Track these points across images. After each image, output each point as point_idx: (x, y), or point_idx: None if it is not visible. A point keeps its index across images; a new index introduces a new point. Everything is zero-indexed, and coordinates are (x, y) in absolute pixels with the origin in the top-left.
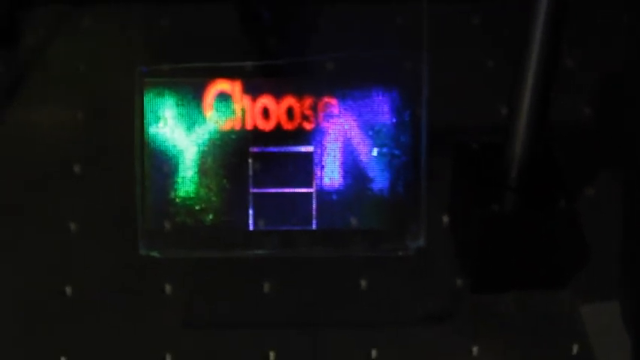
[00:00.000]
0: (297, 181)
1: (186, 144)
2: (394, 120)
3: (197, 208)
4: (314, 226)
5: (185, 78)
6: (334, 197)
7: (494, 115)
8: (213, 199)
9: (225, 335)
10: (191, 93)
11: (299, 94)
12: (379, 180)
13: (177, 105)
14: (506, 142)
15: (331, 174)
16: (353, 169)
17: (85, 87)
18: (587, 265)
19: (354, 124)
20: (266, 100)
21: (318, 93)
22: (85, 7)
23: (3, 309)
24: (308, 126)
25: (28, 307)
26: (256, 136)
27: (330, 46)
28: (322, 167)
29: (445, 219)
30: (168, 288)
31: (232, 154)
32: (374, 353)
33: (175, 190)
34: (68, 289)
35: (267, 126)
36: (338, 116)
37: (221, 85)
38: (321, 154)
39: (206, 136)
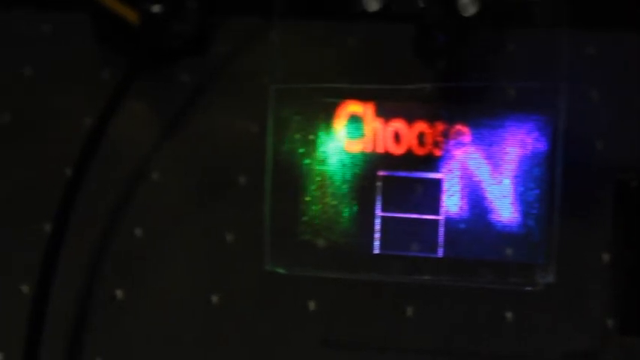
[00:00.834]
0: (424, 207)
1: (317, 163)
2: (528, 151)
3: (323, 228)
4: (440, 254)
5: (317, 98)
6: (462, 226)
7: None
8: (340, 220)
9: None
10: (323, 113)
11: (431, 120)
12: (508, 212)
13: (308, 124)
14: None
15: (459, 203)
16: (482, 198)
17: (265, 101)
18: None
19: (485, 153)
20: (398, 124)
21: (451, 120)
22: (274, 21)
23: (149, 310)
24: (438, 153)
25: (173, 311)
26: (386, 159)
27: (471, 72)
28: (451, 195)
29: (599, 255)
30: (311, 304)
31: (361, 176)
32: None
33: (303, 208)
34: (214, 298)
35: (397, 150)
36: (469, 144)
37: (353, 107)
38: (451, 182)
39: (336, 157)
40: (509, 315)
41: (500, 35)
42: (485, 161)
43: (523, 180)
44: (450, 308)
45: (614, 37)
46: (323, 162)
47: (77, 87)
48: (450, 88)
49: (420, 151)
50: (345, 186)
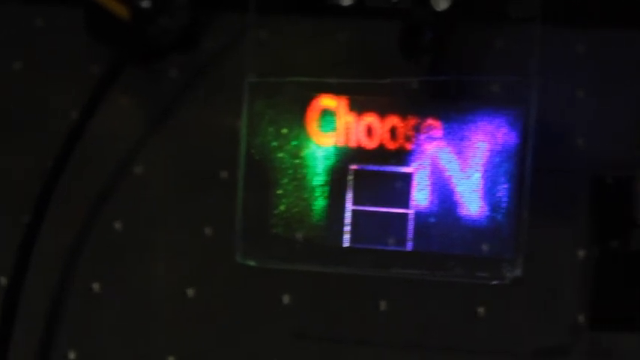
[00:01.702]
0: (395, 201)
1: (289, 157)
2: (498, 146)
3: (294, 221)
4: (410, 248)
5: (291, 91)
6: (432, 220)
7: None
8: (311, 213)
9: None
10: (296, 107)
11: (403, 114)
12: (478, 206)
13: (282, 118)
14: (636, 177)
15: (430, 196)
16: (452, 193)
17: (249, 97)
18: None
19: (456, 147)
20: (370, 118)
21: (423, 114)
22: (262, 17)
23: (126, 302)
24: (410, 147)
25: (148, 307)
26: (358, 153)
27: (442, 67)
28: (421, 189)
29: (571, 251)
30: (285, 298)
31: (333, 170)
32: None
33: (275, 202)
34: (190, 291)
35: (370, 144)
36: (441, 139)
37: (326, 101)
38: (421, 176)
39: (308, 151)
40: (481, 310)
41: (473, 30)
42: (456, 155)
43: (493, 174)
44: (423, 302)
45: (600, 35)
46: (295, 155)
47: (67, 81)
48: (423, 82)
49: (391, 145)
50: (316, 179)
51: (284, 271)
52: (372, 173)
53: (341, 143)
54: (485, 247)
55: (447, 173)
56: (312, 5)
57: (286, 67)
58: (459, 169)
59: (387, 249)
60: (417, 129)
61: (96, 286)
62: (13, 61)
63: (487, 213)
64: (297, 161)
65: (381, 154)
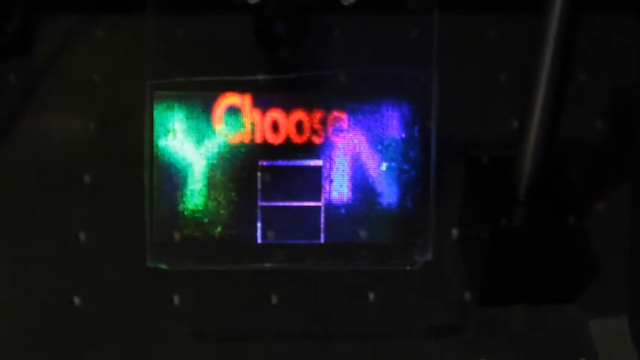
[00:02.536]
0: (305, 195)
1: (196, 157)
2: (403, 135)
3: (205, 221)
4: (322, 240)
5: (195, 91)
6: (342, 211)
7: (506, 129)
8: (222, 212)
9: (234, 347)
10: (201, 106)
11: (309, 108)
12: (387, 194)
13: (187, 118)
14: (516, 157)
15: (340, 188)
16: (362, 183)
17: (99, 97)
18: (596, 280)
19: (363, 138)
20: (276, 114)
21: (328, 107)
22: (100, 16)
23: (9, 317)
24: (317, 140)
25: (35, 316)
26: (265, 149)
27: (343, 60)
28: (331, 181)
29: (455, 232)
30: (176, 299)
31: (241, 167)
32: None
33: (184, 202)
34: (77, 300)
35: (276, 140)
36: (347, 130)
37: (231, 99)
38: (330, 169)
39: (215, 150)
40: (371, 295)
41: (377, 23)
42: (364, 146)
43: (399, 163)
44: (315, 292)
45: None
46: (202, 155)
47: None
48: (324, 76)
49: (298, 140)
50: (225, 178)
51: (172, 271)
52: (281, 168)
53: (248, 140)
54: (396, 235)
55: (357, 164)
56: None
57: (181, 68)
58: (367, 159)
59: (300, 243)
60: (323, 122)
61: None
62: None
63: (396, 201)
64: (204, 160)
65: (289, 149)
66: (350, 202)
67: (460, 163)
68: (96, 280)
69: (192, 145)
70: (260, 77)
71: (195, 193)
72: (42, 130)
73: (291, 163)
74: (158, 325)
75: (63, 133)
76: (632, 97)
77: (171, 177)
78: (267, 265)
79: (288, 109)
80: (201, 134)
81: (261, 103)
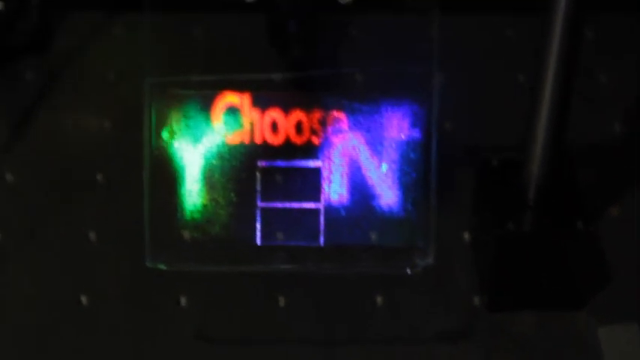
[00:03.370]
0: (305, 196)
1: (195, 157)
2: (404, 136)
3: (204, 221)
4: (321, 243)
5: (194, 90)
6: (342, 213)
7: (518, 131)
8: (221, 212)
9: (237, 349)
10: (200, 105)
11: (308, 108)
12: (388, 196)
13: (186, 117)
14: (524, 161)
15: (339, 190)
16: (361, 185)
17: (114, 96)
18: (606, 286)
19: (363, 139)
20: (275, 114)
21: (327, 107)
22: (118, 15)
23: (17, 314)
24: (317, 140)
25: (43, 314)
26: (265, 150)
27: (343, 59)
28: (330, 183)
29: (466, 235)
30: (182, 300)
31: (240, 167)
32: None
33: (183, 203)
34: (84, 299)
35: (275, 140)
36: (347, 131)
37: (230, 98)
38: (330, 170)
39: (214, 149)
40: (380, 299)
41: (377, 21)
42: (364, 147)
43: (401, 165)
44: (323, 295)
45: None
46: (201, 155)
47: None
48: (324, 75)
49: (298, 140)
50: (224, 178)
51: (181, 272)
52: (280, 169)
53: (247, 141)
54: (396, 237)
55: (356, 165)
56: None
57: (179, 66)
58: (367, 160)
59: (299, 245)
60: (323, 122)
61: None
62: None
63: (397, 204)
64: (203, 161)
65: (288, 150)
66: (350, 204)
67: (470, 165)
68: (103, 279)
69: (192, 145)
70: (257, 76)
71: (194, 194)
72: (57, 128)
73: (291, 164)
74: (164, 325)
75: (77, 131)
76: None
77: (170, 177)
78: (266, 267)
79: (287, 108)
80: (200, 134)
81: (260, 103)
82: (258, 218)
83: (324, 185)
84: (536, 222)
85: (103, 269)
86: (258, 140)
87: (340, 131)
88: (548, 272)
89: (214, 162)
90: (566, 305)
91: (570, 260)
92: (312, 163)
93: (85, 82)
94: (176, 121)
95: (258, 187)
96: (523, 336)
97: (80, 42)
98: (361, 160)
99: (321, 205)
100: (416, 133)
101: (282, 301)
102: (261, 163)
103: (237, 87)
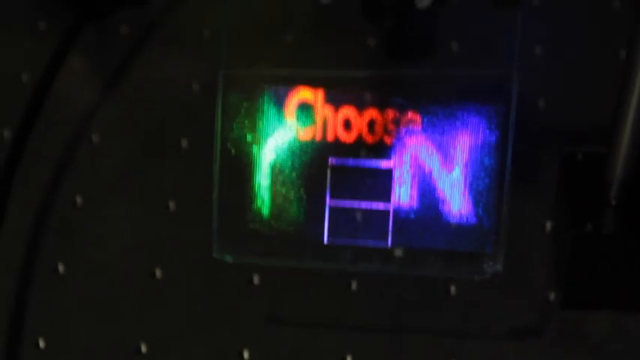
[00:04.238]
0: (374, 196)
1: (266, 151)
2: (479, 141)
3: (272, 216)
4: (389, 244)
5: (268, 83)
6: (411, 216)
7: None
8: (289, 208)
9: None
10: (273, 100)
11: (382, 107)
12: (459, 201)
13: (259, 111)
14: (608, 157)
15: (409, 191)
16: (432, 187)
17: (206, 57)
18: None
19: (436, 142)
20: (348, 111)
21: (402, 107)
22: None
23: (90, 283)
24: (389, 140)
25: (115, 285)
26: (336, 147)
27: (420, 59)
28: (401, 184)
29: (548, 225)
30: (255, 279)
31: (311, 164)
32: None
33: (252, 197)
34: (158, 272)
35: (348, 138)
36: (420, 133)
37: (303, 94)
38: (401, 171)
39: (285, 145)
40: (453, 290)
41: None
42: (436, 150)
43: (473, 169)
44: (396, 282)
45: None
46: (272, 149)
47: (13, 41)
48: (402, 74)
49: (370, 139)
50: (294, 174)
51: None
52: (351, 168)
53: (319, 137)
54: (465, 243)
55: (428, 168)
56: None
57: (255, 57)
58: (439, 163)
59: (367, 245)
60: (396, 122)
61: (61, 268)
62: None
63: (468, 208)
64: (274, 155)
65: (359, 148)
66: (420, 206)
67: (553, 159)
68: (178, 254)
69: (263, 138)
70: (333, 72)
71: (263, 188)
72: (146, 88)
73: (362, 163)
74: (236, 304)
75: (166, 92)
76: None
77: (240, 170)
78: (333, 265)
79: (361, 106)
80: (271, 128)
81: (334, 100)
82: (327, 216)
83: (395, 186)
84: (616, 222)
85: (179, 242)
86: (330, 137)
87: (414, 132)
88: (626, 274)
89: (285, 157)
90: None
91: None
92: (383, 164)
93: (180, 38)
94: (248, 115)
95: (328, 185)
96: (596, 337)
97: None
98: (433, 163)
99: (390, 206)
100: (491, 137)
101: (353, 290)
102: (331, 161)
103: (312, 82)
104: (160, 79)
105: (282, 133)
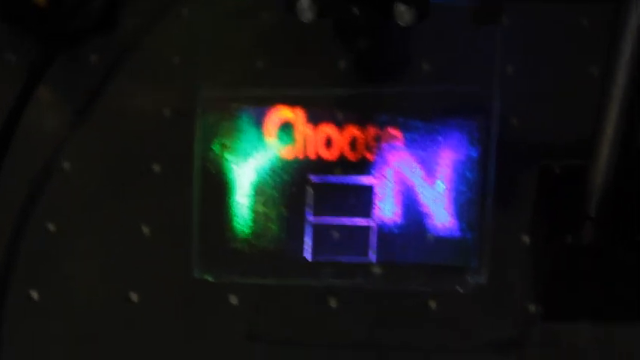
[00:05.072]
0: (357, 212)
1: (246, 170)
2: (461, 155)
3: (254, 235)
4: (373, 260)
5: (247, 103)
6: (395, 231)
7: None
8: (271, 226)
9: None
10: (252, 119)
11: (362, 125)
12: (442, 216)
13: (238, 131)
14: (588, 168)
15: (392, 207)
16: (415, 203)
17: (177, 82)
18: None
19: (418, 157)
20: (329, 129)
21: (382, 124)
22: None
23: (65, 309)
24: (371, 157)
25: (91, 310)
26: (317, 165)
27: (399, 75)
28: (383, 200)
29: (527, 238)
30: (233, 299)
31: (292, 182)
32: None
33: (233, 216)
34: (133, 295)
35: (329, 155)
36: (402, 148)
37: (283, 113)
38: (383, 187)
39: (266, 163)
40: (434, 305)
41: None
42: (419, 165)
43: (456, 184)
44: (375, 299)
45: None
46: (253, 168)
47: None
48: (383, 92)
49: (352, 156)
50: (275, 192)
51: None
52: (333, 185)
53: (300, 155)
54: (449, 257)
55: (410, 183)
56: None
57: (234, 75)
58: (422, 179)
59: (349, 261)
60: (377, 139)
61: (34, 294)
62: None
63: (451, 223)
64: (255, 174)
65: (341, 166)
66: (402, 221)
67: (529, 171)
68: (154, 276)
69: (243, 157)
70: (311, 91)
71: (243, 207)
72: (116, 115)
73: (343, 179)
74: (214, 325)
75: (136, 118)
76: None
77: (220, 189)
78: (316, 282)
79: (341, 124)
80: (251, 147)
81: (314, 118)
82: (309, 233)
83: (377, 202)
84: (596, 234)
85: (154, 265)
86: (311, 155)
87: (395, 148)
88: (607, 286)
89: (266, 176)
90: (626, 318)
91: (631, 274)
92: (365, 180)
93: (148, 67)
94: (228, 134)
95: (310, 202)
96: (580, 348)
97: (145, 24)
98: (415, 179)
99: (373, 222)
100: (473, 152)
101: (333, 308)
102: (313, 178)
103: (291, 101)
104: (131, 106)
105: (262, 151)
